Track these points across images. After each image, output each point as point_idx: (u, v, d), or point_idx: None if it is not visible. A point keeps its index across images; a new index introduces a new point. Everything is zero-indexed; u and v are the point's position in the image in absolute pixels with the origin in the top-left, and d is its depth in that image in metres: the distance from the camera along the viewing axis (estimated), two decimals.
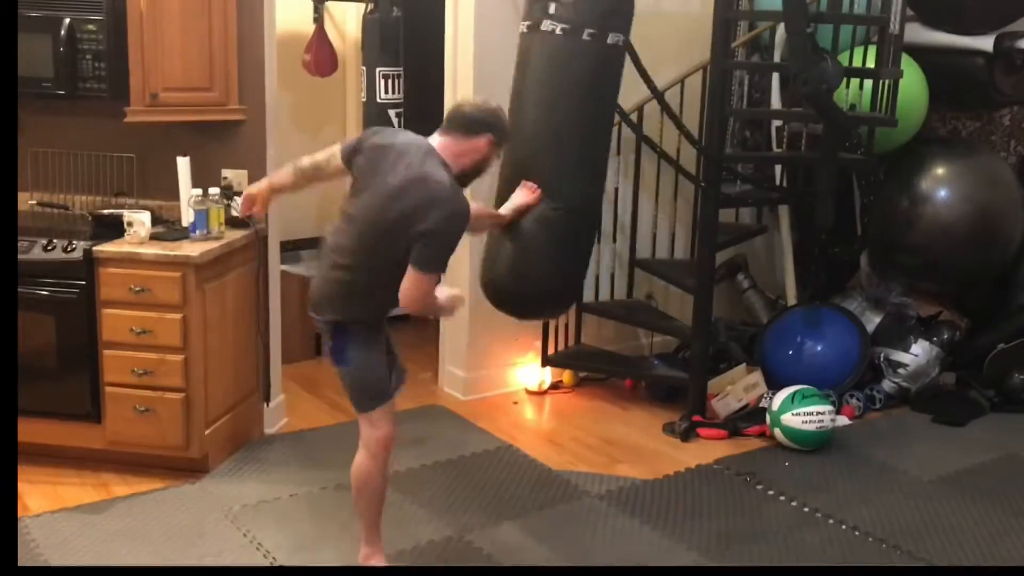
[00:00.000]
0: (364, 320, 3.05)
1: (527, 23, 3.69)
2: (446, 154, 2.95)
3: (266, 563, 3.36)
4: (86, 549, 3.40)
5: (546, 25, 3.58)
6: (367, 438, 3.13)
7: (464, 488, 3.94)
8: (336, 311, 3.04)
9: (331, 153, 3.13)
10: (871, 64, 4.31)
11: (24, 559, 3.29)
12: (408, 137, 3.03)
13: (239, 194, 4.09)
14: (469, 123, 2.97)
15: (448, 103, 4.71)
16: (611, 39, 3.64)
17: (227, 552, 3.42)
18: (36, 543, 3.41)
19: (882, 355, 4.95)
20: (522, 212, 3.57)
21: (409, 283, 2.88)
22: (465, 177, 3.02)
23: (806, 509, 3.83)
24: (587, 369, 5.11)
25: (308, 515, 3.69)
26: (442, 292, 3.06)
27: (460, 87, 4.65)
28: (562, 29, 3.56)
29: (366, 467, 3.14)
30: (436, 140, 2.99)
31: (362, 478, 3.15)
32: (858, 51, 4.34)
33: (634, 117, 4.72)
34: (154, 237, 3.85)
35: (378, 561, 3.23)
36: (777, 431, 4.40)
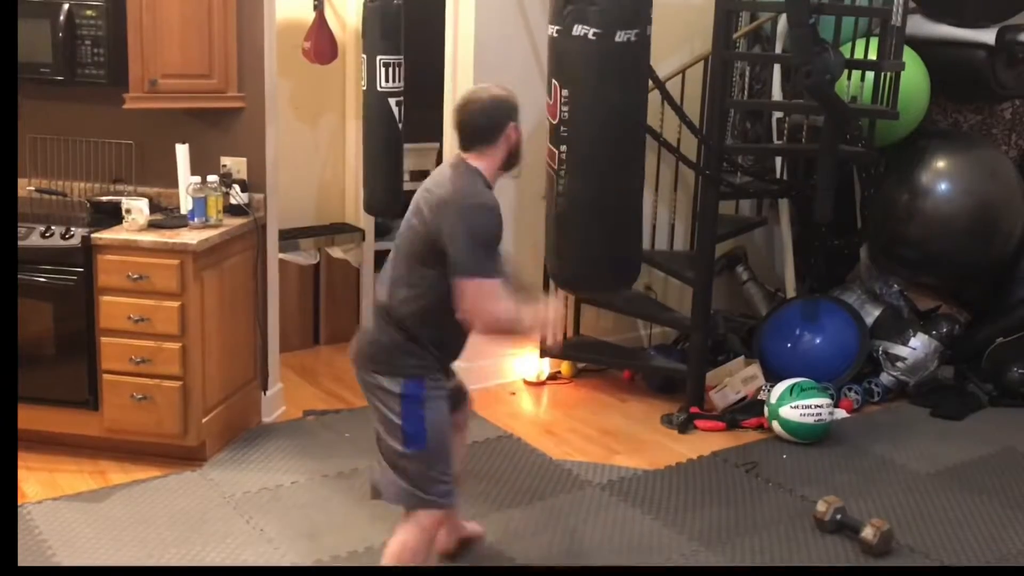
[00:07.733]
0: (425, 368, 2.74)
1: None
2: (481, 165, 2.74)
3: (271, 549, 3.35)
4: (91, 535, 3.39)
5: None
6: (418, 519, 2.80)
7: (464, 476, 3.92)
8: (391, 362, 2.75)
9: None
10: (873, 56, 4.30)
11: (28, 546, 3.29)
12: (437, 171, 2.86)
13: (237, 182, 4.10)
14: (489, 130, 2.74)
15: (448, 92, 4.70)
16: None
17: (231, 538, 3.41)
18: (39, 530, 3.39)
19: (881, 348, 4.95)
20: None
21: (459, 296, 2.63)
22: (510, 164, 2.83)
23: (804, 501, 3.84)
24: (585, 360, 5.10)
25: (310, 502, 3.69)
26: (529, 311, 2.76)
27: (461, 75, 4.63)
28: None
29: (412, 544, 2.78)
30: (464, 156, 2.77)
31: (406, 560, 2.78)
32: (860, 43, 4.33)
33: None
34: (152, 224, 3.83)
35: None
36: (775, 423, 4.40)
